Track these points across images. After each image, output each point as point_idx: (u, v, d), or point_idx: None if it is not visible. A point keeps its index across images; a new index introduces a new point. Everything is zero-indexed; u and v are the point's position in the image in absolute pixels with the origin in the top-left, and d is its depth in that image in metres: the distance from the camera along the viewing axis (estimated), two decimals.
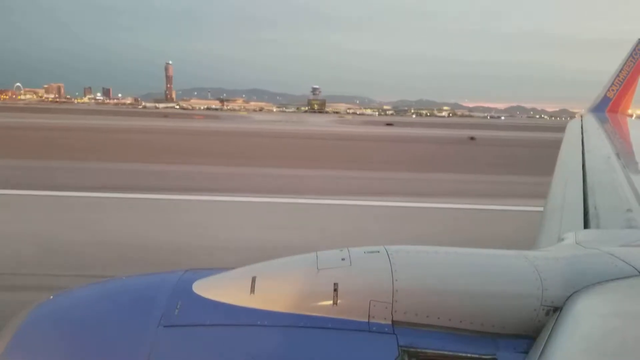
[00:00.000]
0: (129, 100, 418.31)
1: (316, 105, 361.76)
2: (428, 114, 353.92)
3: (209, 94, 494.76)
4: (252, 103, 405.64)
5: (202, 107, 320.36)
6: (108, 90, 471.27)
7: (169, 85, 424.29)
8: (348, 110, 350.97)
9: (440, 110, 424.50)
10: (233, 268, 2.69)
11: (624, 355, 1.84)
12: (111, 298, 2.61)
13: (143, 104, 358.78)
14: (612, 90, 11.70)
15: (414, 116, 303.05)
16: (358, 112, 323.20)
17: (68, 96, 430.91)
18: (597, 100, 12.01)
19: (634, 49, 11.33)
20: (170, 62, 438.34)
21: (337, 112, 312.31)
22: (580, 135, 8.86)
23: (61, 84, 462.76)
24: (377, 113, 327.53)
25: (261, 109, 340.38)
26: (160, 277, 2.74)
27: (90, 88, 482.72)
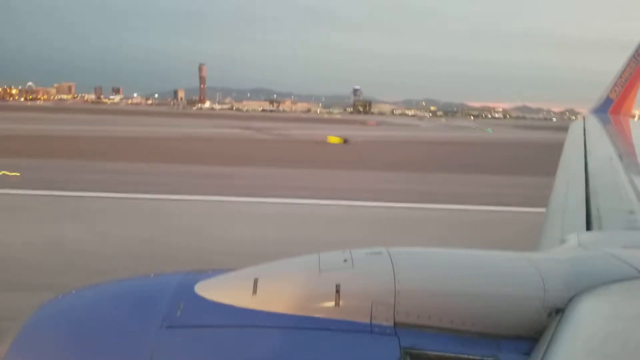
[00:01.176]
0: (150, 101, 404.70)
1: (360, 106, 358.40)
2: (487, 116, 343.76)
3: (219, 94, 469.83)
4: (299, 104, 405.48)
5: (259, 109, 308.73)
6: (118, 90, 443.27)
7: (202, 86, 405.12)
8: (394, 112, 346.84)
9: (495, 111, 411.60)
10: (235, 269, 2.70)
11: (627, 357, 1.84)
12: (114, 299, 2.62)
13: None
14: (615, 91, 11.60)
15: (472, 118, 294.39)
16: (410, 114, 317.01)
17: (101, 97, 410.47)
18: (599, 101, 11.93)
19: (637, 50, 11.20)
20: (203, 62, 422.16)
21: (382, 114, 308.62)
22: (583, 137, 8.87)
23: (72, 83, 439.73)
24: (429, 114, 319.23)
25: (309, 110, 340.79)
26: (163, 279, 2.76)
27: (100, 87, 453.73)
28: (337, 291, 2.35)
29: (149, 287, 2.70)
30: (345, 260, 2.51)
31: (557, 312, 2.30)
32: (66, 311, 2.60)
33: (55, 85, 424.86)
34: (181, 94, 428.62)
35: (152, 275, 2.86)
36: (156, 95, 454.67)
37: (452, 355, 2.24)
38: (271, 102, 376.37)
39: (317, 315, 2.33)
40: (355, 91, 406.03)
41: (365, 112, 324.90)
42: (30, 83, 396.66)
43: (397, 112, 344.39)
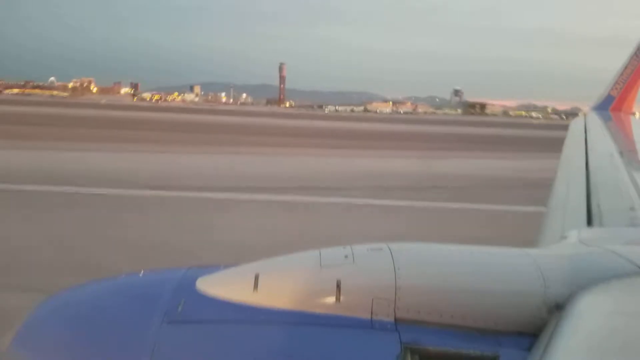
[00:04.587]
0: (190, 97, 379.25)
1: (471, 107, 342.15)
2: None
3: (232, 90, 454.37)
4: (410, 105, 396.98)
5: (388, 111, 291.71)
6: (136, 85, 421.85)
7: (282, 86, 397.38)
8: (511, 113, 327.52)
9: None
10: (236, 265, 2.72)
11: (628, 353, 1.84)
12: (115, 295, 2.65)
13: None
14: (616, 88, 11.60)
15: None
16: (532, 115, 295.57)
17: (153, 94, 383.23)
18: (600, 98, 11.92)
19: (639, 47, 11.19)
20: (284, 62, 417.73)
21: (494, 115, 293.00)
22: (584, 134, 8.96)
23: (91, 79, 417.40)
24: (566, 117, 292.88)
25: (424, 113, 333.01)
26: (164, 274, 2.78)
27: (120, 82, 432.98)
28: (338, 287, 2.35)
29: (150, 283, 2.73)
30: (346, 256, 2.52)
31: (558, 308, 2.29)
32: (67, 307, 2.62)
33: (74, 80, 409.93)
34: (197, 90, 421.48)
35: (153, 271, 2.91)
36: (176, 93, 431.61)
37: (453, 350, 2.23)
38: (393, 103, 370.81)
39: (317, 311, 2.33)
40: (456, 92, 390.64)
41: (479, 114, 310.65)
42: (52, 78, 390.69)
43: (512, 113, 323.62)
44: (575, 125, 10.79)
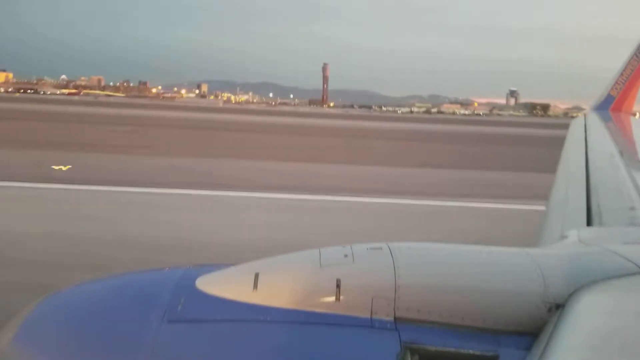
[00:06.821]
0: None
1: (534, 109, 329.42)
2: None
3: (238, 89, 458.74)
4: (476, 105, 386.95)
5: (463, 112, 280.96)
6: (145, 84, 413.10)
7: (325, 86, 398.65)
8: (573, 115, 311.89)
9: None
10: (236, 264, 2.72)
11: (627, 352, 1.83)
12: (115, 293, 2.65)
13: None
14: (616, 88, 11.55)
15: None
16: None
17: (211, 95, 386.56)
18: (600, 98, 11.88)
19: (639, 47, 11.14)
20: (327, 62, 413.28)
21: (556, 116, 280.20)
22: (584, 134, 8.93)
23: (101, 77, 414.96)
24: None
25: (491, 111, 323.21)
26: (164, 273, 2.79)
27: (128, 81, 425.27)
28: (338, 286, 2.36)
29: (150, 281, 2.74)
30: (345, 255, 2.53)
31: (557, 307, 2.30)
32: (67, 305, 2.63)
33: (82, 78, 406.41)
34: (204, 89, 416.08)
35: (153, 269, 2.91)
36: (183, 90, 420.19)
37: (452, 350, 2.24)
38: (463, 105, 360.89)
39: (317, 310, 2.34)
40: (512, 92, 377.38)
41: (542, 115, 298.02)
42: (63, 76, 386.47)
43: (575, 114, 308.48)
44: (575, 125, 10.74)
